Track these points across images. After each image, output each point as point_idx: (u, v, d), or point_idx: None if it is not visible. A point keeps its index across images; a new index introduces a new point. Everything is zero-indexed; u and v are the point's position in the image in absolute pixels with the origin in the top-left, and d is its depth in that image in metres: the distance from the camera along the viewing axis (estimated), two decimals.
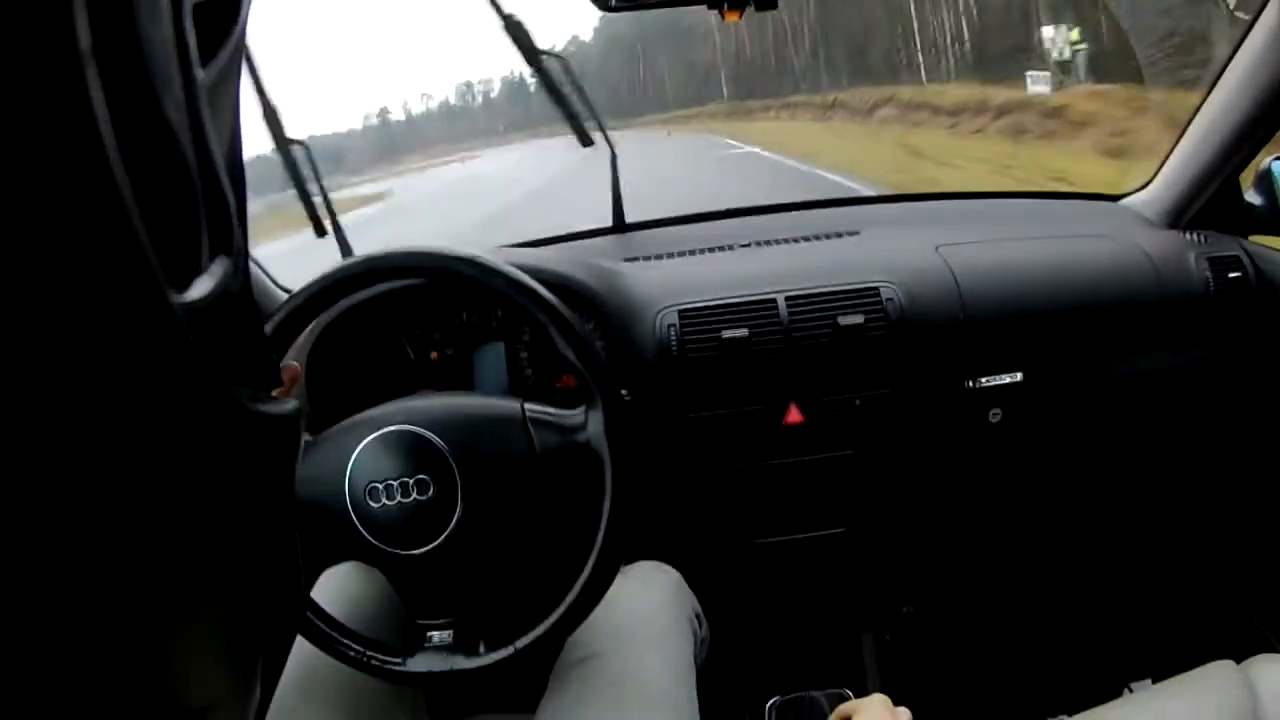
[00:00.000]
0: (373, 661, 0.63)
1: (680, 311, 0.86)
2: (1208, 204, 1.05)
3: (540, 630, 0.62)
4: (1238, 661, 0.78)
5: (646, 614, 0.73)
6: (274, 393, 0.55)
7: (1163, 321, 0.97)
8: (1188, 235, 1.05)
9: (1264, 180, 1.04)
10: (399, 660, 0.63)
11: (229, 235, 0.19)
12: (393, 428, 0.63)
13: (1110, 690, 1.03)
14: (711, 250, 1.00)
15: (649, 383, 0.85)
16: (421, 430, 0.63)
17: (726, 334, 0.84)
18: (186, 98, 0.17)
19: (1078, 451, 1.05)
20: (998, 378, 0.91)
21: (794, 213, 1.15)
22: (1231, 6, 0.93)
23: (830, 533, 0.95)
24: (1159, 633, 1.17)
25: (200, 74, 0.18)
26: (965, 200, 1.19)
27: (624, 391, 0.63)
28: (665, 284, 0.90)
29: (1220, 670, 0.78)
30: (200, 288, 0.17)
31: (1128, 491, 1.16)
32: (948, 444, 0.96)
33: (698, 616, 0.80)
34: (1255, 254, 1.03)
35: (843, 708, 0.59)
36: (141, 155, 0.15)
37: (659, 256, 0.99)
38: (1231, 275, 0.99)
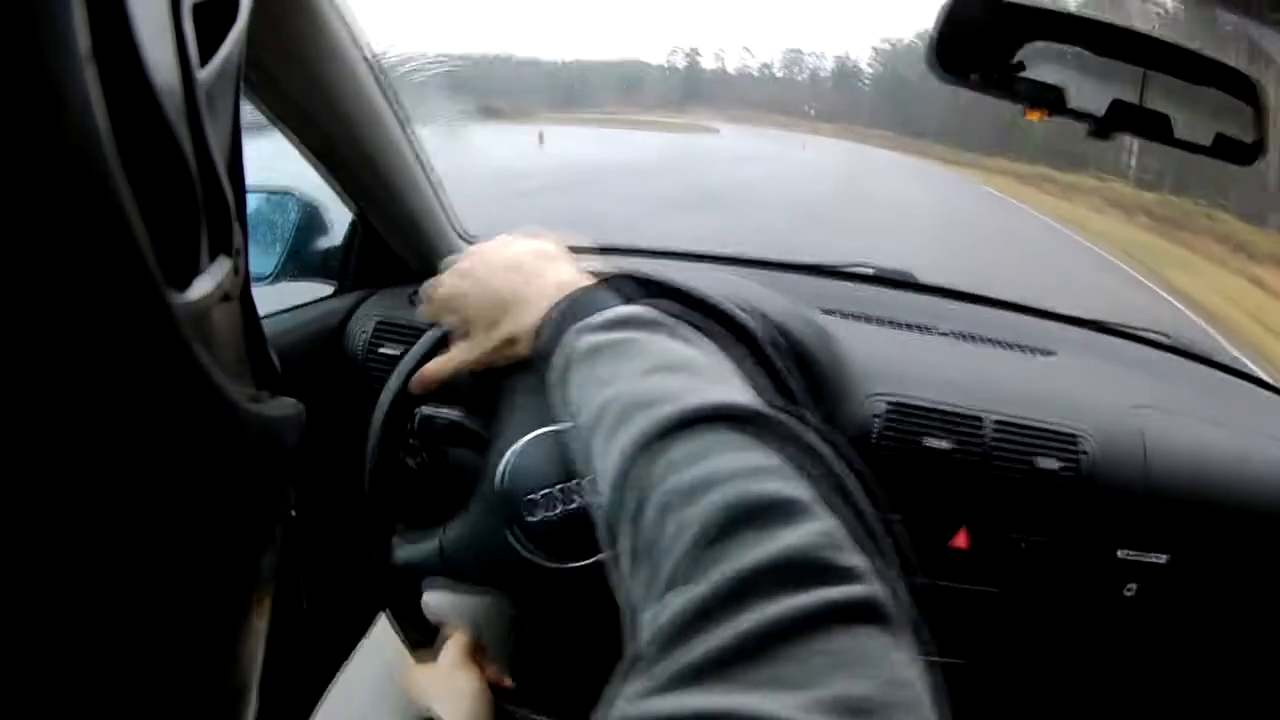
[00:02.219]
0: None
1: (890, 403, 0.83)
2: None
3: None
4: None
5: None
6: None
7: (1267, 539, 0.95)
8: None
9: None
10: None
11: (229, 235, 0.19)
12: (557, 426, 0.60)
13: None
14: (915, 328, 0.97)
15: None
16: None
17: (929, 442, 0.81)
18: (186, 98, 0.17)
19: (1198, 644, 1.03)
20: (1146, 555, 0.90)
21: (993, 310, 1.12)
22: None
23: (951, 662, 0.93)
24: None
25: (200, 74, 0.18)
26: (1166, 353, 1.16)
27: None
28: (875, 361, 0.87)
29: None
30: (200, 288, 0.17)
31: (1233, 696, 1.13)
32: (1081, 604, 0.94)
33: None
34: None
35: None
36: (141, 155, 0.15)
37: (859, 317, 0.96)
38: None
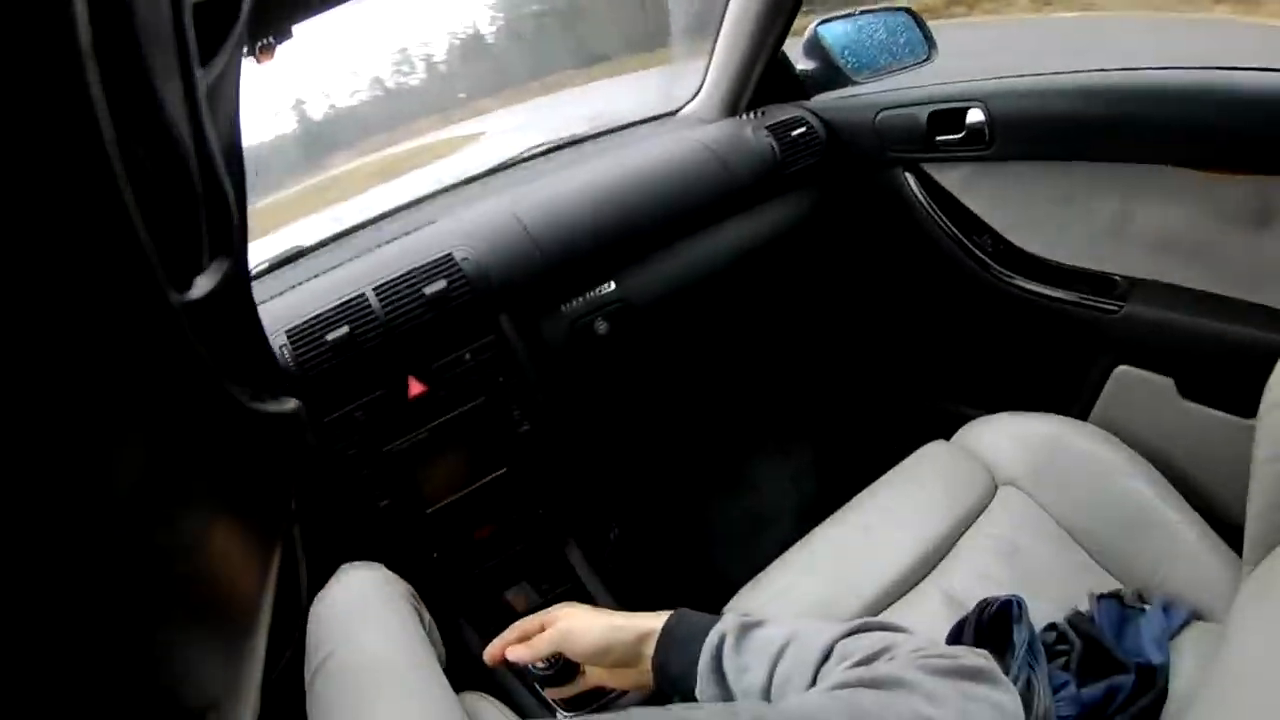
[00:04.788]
0: None
1: (287, 332, 0.92)
2: (761, 87, 1.18)
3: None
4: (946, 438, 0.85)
5: (363, 603, 0.74)
6: None
7: (738, 195, 1.07)
8: (743, 116, 1.17)
9: (813, 46, 1.19)
10: None
11: (229, 235, 0.19)
12: None
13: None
14: (304, 282, 1.06)
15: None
16: None
17: (330, 337, 0.91)
18: (186, 97, 0.17)
19: (703, 329, 1.13)
20: (589, 293, 1.01)
21: (376, 225, 1.21)
22: None
23: (493, 477, 1.01)
24: (858, 456, 1.21)
25: (200, 74, 0.18)
26: (539, 158, 1.27)
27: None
28: (272, 320, 0.96)
29: (938, 448, 0.86)
30: (201, 287, 0.17)
31: (770, 346, 1.26)
32: (568, 364, 1.03)
33: (414, 595, 0.81)
34: (818, 109, 1.16)
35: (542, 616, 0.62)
36: (142, 155, 0.15)
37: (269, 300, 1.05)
38: (795, 133, 1.12)
